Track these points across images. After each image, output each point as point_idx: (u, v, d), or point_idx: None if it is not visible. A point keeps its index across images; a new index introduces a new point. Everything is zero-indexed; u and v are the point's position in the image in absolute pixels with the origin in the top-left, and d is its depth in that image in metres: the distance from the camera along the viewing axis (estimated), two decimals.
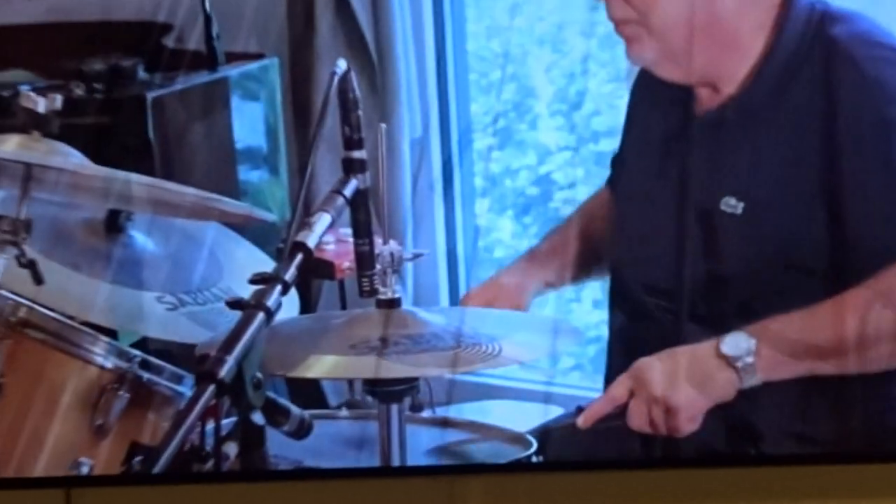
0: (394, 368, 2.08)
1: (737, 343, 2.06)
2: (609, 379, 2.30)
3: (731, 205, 2.16)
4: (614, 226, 2.44)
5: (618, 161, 2.39)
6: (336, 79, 2.07)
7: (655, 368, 2.11)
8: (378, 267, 2.12)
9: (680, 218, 2.29)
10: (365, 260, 2.11)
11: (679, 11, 2.14)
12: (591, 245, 2.42)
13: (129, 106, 2.51)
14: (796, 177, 2.20)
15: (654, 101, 2.33)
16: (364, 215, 2.12)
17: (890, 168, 2.12)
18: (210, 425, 1.95)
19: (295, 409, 2.10)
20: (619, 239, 2.41)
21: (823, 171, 2.17)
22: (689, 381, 2.12)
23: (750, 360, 2.07)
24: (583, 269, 2.37)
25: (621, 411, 2.12)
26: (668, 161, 2.30)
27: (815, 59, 2.16)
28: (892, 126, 2.11)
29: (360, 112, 2.09)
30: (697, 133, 2.24)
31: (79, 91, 2.51)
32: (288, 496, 2.47)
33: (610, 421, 2.19)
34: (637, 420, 2.11)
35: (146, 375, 2.21)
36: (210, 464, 2.25)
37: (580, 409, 2.20)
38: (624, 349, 2.34)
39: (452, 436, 2.37)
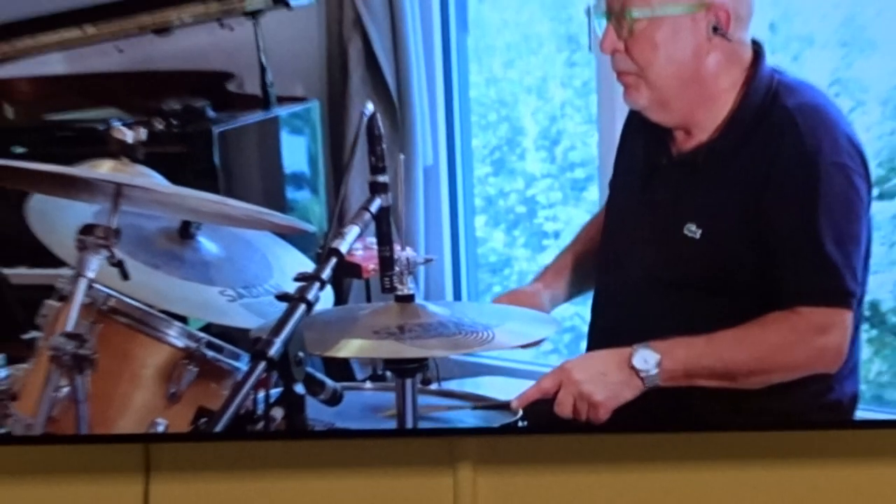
0: (408, 350, 2.17)
1: (644, 358, 2.19)
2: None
3: (692, 230, 2.27)
4: (602, 237, 2.51)
5: (612, 184, 2.48)
6: (365, 118, 2.14)
7: (579, 370, 2.24)
8: (396, 269, 2.21)
9: (651, 236, 2.38)
10: (386, 263, 2.21)
11: (671, 68, 2.26)
12: (588, 264, 2.48)
13: (199, 138, 2.55)
14: (746, 215, 2.28)
15: (641, 137, 2.41)
16: (386, 227, 2.19)
17: (812, 224, 2.21)
18: (261, 394, 2.07)
19: (329, 382, 2.18)
20: (605, 248, 2.48)
21: (756, 215, 2.26)
22: (605, 385, 2.23)
23: (654, 372, 2.20)
24: (583, 283, 2.45)
25: (551, 399, 2.25)
26: (647, 188, 2.39)
27: (770, 120, 2.27)
28: (817, 196, 2.20)
29: (384, 145, 2.17)
30: (672, 168, 2.36)
31: (159, 126, 2.56)
32: (322, 452, 2.51)
33: (539, 407, 2.29)
34: (563, 409, 2.23)
35: (210, 353, 2.28)
36: (261, 425, 2.19)
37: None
38: (601, 334, 2.42)
39: (452, 406, 2.43)
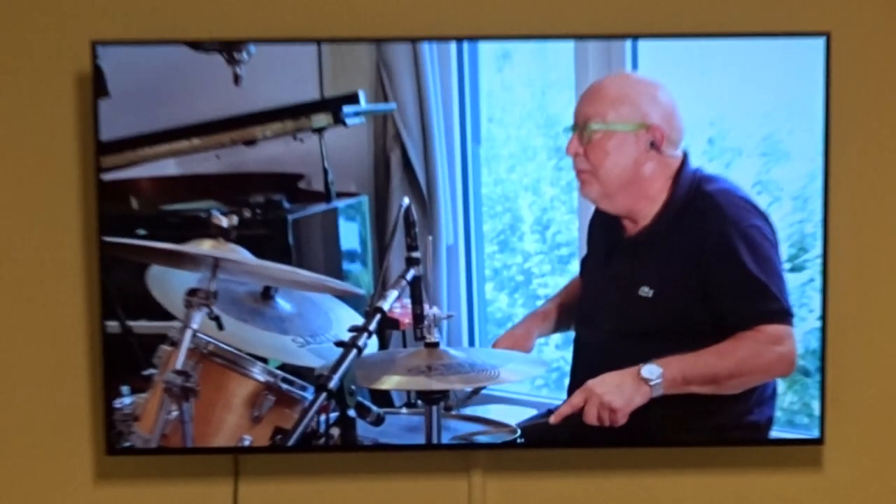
0: (434, 384, 2.42)
1: (651, 370, 2.43)
2: (570, 391, 2.55)
3: (646, 292, 2.51)
4: (579, 300, 2.65)
5: (584, 262, 2.61)
6: (402, 209, 2.46)
7: (600, 386, 2.45)
8: (425, 323, 2.46)
9: (615, 298, 2.59)
10: (418, 318, 2.47)
11: (616, 170, 2.45)
12: (567, 311, 2.64)
13: (277, 224, 2.60)
14: (687, 275, 2.51)
15: (602, 226, 2.59)
16: (418, 291, 2.47)
17: (738, 274, 2.48)
18: (323, 417, 2.43)
19: (374, 408, 2.45)
20: (581, 307, 2.63)
21: (699, 274, 2.51)
22: (621, 394, 2.46)
23: (658, 381, 2.43)
24: (562, 325, 2.63)
25: (578, 412, 2.49)
26: (609, 262, 2.59)
27: (696, 203, 2.48)
28: (738, 249, 2.47)
29: (416, 229, 2.47)
30: (625, 247, 2.56)
31: (247, 214, 2.59)
32: (369, 460, 2.74)
33: (572, 419, 2.53)
34: (590, 418, 2.45)
35: (285, 386, 2.55)
36: (322, 440, 2.49)
37: (549, 412, 2.54)
38: (580, 372, 2.56)
39: (468, 426, 2.64)
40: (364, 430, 2.48)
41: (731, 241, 2.47)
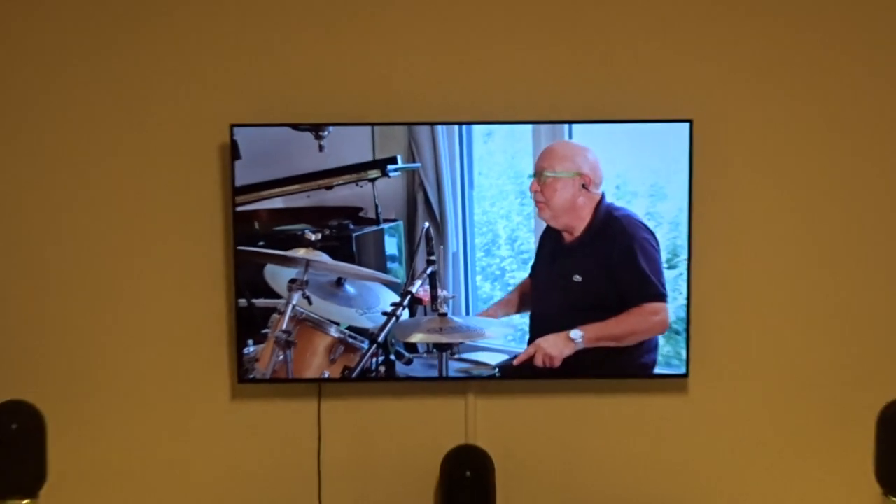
0: (444, 339, 2.76)
1: (576, 333, 2.70)
2: (528, 345, 2.80)
3: (577, 279, 2.76)
4: (531, 291, 2.82)
5: (533, 266, 2.79)
6: (424, 229, 2.75)
7: (544, 342, 2.73)
8: (438, 300, 2.77)
9: (557, 284, 2.81)
10: (433, 298, 2.76)
11: (561, 202, 2.69)
12: (524, 298, 2.84)
13: (345, 238, 2.79)
14: (603, 269, 2.77)
15: (549, 236, 2.77)
16: (434, 281, 2.75)
17: (634, 269, 2.74)
18: (374, 359, 2.75)
19: (406, 353, 2.78)
20: (533, 295, 2.81)
21: (610, 267, 2.75)
22: (556, 347, 2.74)
23: (580, 340, 2.70)
24: (521, 307, 2.83)
25: (531, 358, 2.74)
26: (553, 262, 2.77)
27: (608, 224, 2.73)
28: (635, 252, 2.73)
29: (433, 242, 2.75)
30: (564, 251, 2.76)
31: (327, 232, 2.79)
32: (403, 387, 2.93)
33: (528, 362, 2.76)
34: (538, 362, 2.71)
35: (350, 340, 2.80)
36: (373, 374, 2.77)
37: (514, 357, 2.78)
38: (534, 333, 2.80)
39: (465, 365, 2.89)
40: (399, 368, 2.81)
41: (630, 248, 2.71)
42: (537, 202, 2.70)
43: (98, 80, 2.91)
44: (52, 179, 2.93)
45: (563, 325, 2.78)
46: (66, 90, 2.93)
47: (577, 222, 2.71)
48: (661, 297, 2.72)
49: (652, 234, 2.72)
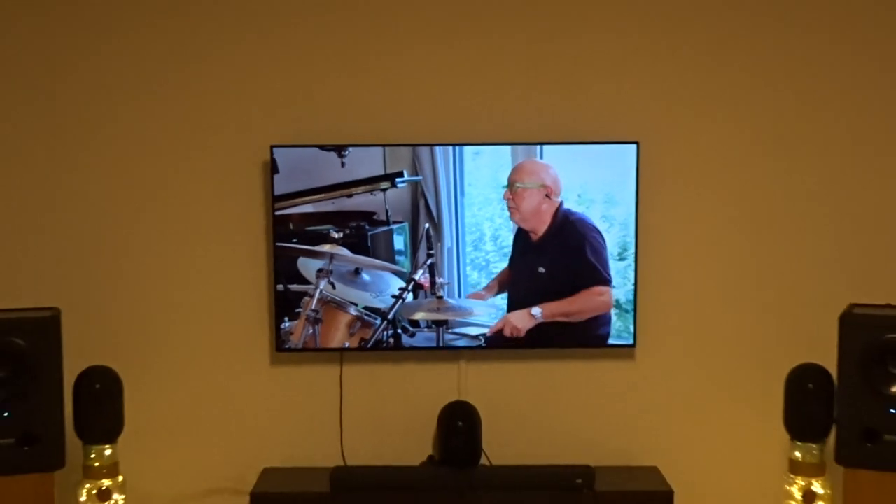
0: (441, 316, 2.83)
1: (536, 311, 2.77)
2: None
3: (542, 271, 2.82)
4: (508, 278, 2.87)
5: (511, 260, 2.82)
6: (425, 229, 2.80)
7: (512, 316, 2.80)
8: (437, 286, 2.83)
9: (527, 273, 2.88)
10: (432, 284, 2.82)
11: (528, 207, 2.76)
12: (503, 284, 2.88)
13: (362, 236, 2.86)
14: (559, 262, 2.84)
15: (519, 236, 2.82)
16: (433, 270, 2.82)
17: (583, 261, 2.81)
18: (385, 332, 2.80)
19: (410, 328, 2.84)
20: (510, 281, 2.85)
21: (565, 260, 2.83)
22: (521, 321, 2.82)
23: (539, 315, 2.77)
24: (501, 291, 2.89)
25: (500, 330, 2.82)
26: (524, 256, 2.84)
27: (566, 225, 2.80)
28: (585, 248, 2.80)
29: (432, 239, 2.82)
30: (531, 247, 2.83)
31: (347, 231, 2.88)
32: (408, 355, 3.00)
33: (500, 333, 2.84)
34: (506, 333, 2.80)
35: (366, 318, 2.87)
36: (385, 344, 2.83)
37: (497, 330, 2.82)
38: (509, 310, 2.87)
39: (457, 337, 2.95)
40: (405, 340, 2.90)
41: (580, 245, 2.79)
42: (510, 208, 2.72)
43: (170, 110, 3.06)
44: (137, 189, 3.06)
45: (526, 305, 2.91)
46: (148, 119, 3.08)
47: (541, 225, 2.74)
48: (606, 282, 2.75)
49: (599, 233, 2.75)
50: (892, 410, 2.40)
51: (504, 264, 2.84)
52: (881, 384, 2.43)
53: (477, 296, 2.86)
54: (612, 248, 2.88)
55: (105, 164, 3.06)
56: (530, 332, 2.85)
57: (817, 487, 2.63)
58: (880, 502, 2.48)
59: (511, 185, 2.78)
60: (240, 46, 2.99)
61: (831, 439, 2.74)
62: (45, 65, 2.98)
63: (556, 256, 2.81)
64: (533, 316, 2.83)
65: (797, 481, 2.64)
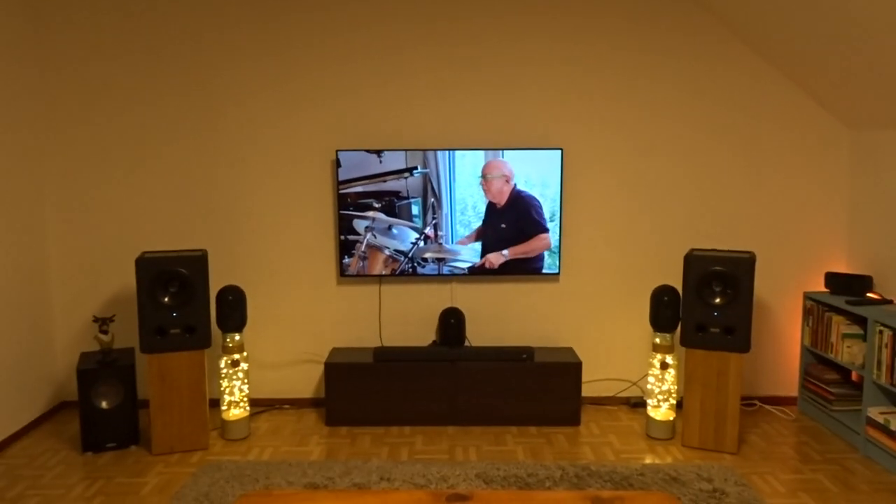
0: (440, 255, 2.97)
1: (505, 252, 2.92)
2: (481, 257, 2.98)
3: (503, 226, 2.98)
4: (482, 231, 2.95)
5: (483, 220, 2.94)
6: (431, 202, 2.99)
7: (490, 256, 2.97)
8: (438, 237, 2.95)
9: (495, 227, 2.96)
10: (436, 235, 2.93)
11: (495, 189, 2.93)
12: (478, 235, 2.95)
13: (392, 206, 3.03)
14: (514, 221, 2.92)
15: (489, 206, 2.94)
16: (436, 227, 2.96)
17: (531, 218, 2.89)
18: (407, 265, 2.95)
19: (422, 262, 2.90)
20: (483, 233, 2.96)
21: (519, 219, 2.92)
22: (496, 259, 2.99)
23: (507, 254, 2.94)
24: (477, 240, 2.98)
25: (484, 263, 2.92)
26: (491, 217, 2.97)
27: (518, 199, 2.95)
28: (531, 211, 2.90)
29: (436, 208, 2.96)
30: (496, 212, 2.97)
31: (383, 203, 3.01)
32: (421, 279, 3.12)
33: (482, 265, 2.92)
34: (487, 266, 2.91)
35: (395, 256, 3.01)
36: (408, 272, 2.85)
37: (475, 264, 2.97)
38: (483, 254, 2.98)
39: (451, 268, 3.03)
40: (419, 270, 3.14)
41: (528, 209, 3.02)
42: (484, 190, 3.04)
43: (278, 124, 3.27)
44: (255, 174, 3.30)
45: (498, 248, 3.15)
46: (263, 126, 3.28)
47: (502, 199, 3.05)
48: (545, 229, 3.09)
49: (538, 201, 3.06)
50: (715, 313, 2.78)
51: (479, 223, 3.15)
52: (708, 297, 2.79)
53: (462, 242, 3.09)
54: (545, 214, 3.17)
55: (237, 156, 3.32)
56: (501, 265, 3.16)
57: (669, 360, 3.00)
58: (705, 368, 2.87)
59: (484, 176, 3.06)
60: (322, 89, 3.27)
61: (678, 331, 3.29)
62: (199, 81, 3.22)
63: (512, 217, 3.09)
64: (503, 255, 3.06)
65: (657, 356, 2.99)
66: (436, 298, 3.31)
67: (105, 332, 2.88)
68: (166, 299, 2.72)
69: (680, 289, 3.11)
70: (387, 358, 3.04)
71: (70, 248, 3.20)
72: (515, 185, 3.06)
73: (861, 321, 2.93)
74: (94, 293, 3.23)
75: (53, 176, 3.19)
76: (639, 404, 3.29)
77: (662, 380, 2.94)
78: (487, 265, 3.09)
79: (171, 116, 3.18)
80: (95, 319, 2.88)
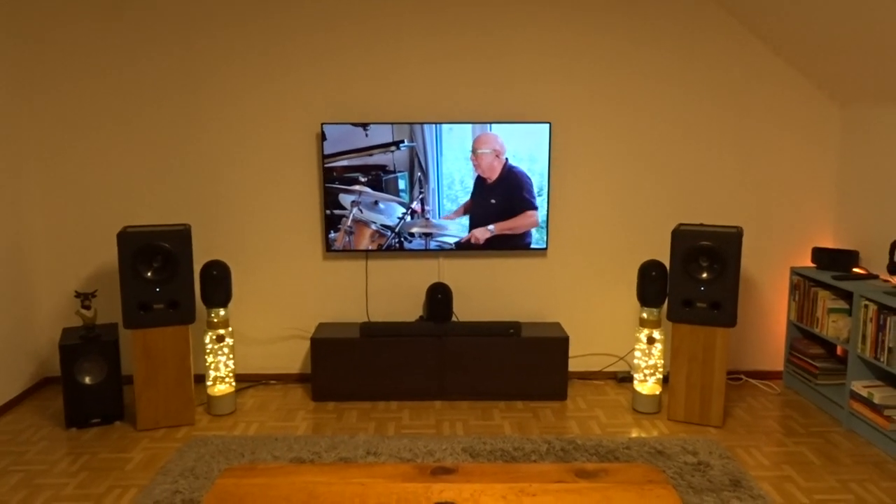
0: (427, 230, 2.97)
1: (490, 227, 2.92)
2: (469, 232, 2.94)
3: (493, 202, 2.96)
4: (471, 206, 2.95)
5: (472, 195, 2.94)
6: (418, 176, 2.97)
7: (476, 231, 2.96)
8: (425, 211, 2.94)
9: (485, 202, 2.97)
10: (423, 210, 2.92)
11: (486, 163, 2.92)
12: (466, 210, 2.95)
13: (378, 180, 3.00)
14: (504, 196, 2.92)
15: (478, 180, 2.93)
16: (423, 202, 2.94)
17: (520, 194, 2.88)
18: (394, 240, 2.90)
19: (409, 237, 2.86)
20: (471, 208, 2.94)
21: (509, 194, 2.90)
22: (482, 234, 2.98)
23: (493, 229, 2.94)
24: (464, 214, 2.97)
25: (470, 239, 2.89)
26: (481, 191, 2.96)
27: (509, 174, 2.94)
28: (521, 187, 2.89)
29: (423, 182, 2.93)
30: (486, 188, 2.96)
31: (369, 177, 2.95)
32: (409, 253, 3.06)
33: (469, 241, 2.89)
34: (472, 240, 2.91)
35: (382, 230, 2.94)
36: (395, 247, 2.81)
37: (462, 238, 2.93)
38: (470, 228, 2.96)
39: (439, 243, 3.01)
40: (406, 245, 3.13)
41: (518, 185, 3.03)
42: (474, 164, 3.03)
43: (263, 98, 3.28)
44: (241, 147, 3.30)
45: (486, 224, 3.15)
46: (249, 100, 3.27)
47: (493, 174, 3.05)
48: (534, 207, 3.08)
49: (529, 178, 3.08)
50: (702, 288, 2.78)
51: (467, 199, 3.14)
52: (695, 272, 2.79)
53: (450, 217, 3.09)
54: (535, 191, 3.14)
55: (220, 129, 3.30)
56: (487, 240, 3.15)
57: (656, 334, 3.02)
58: (692, 343, 2.86)
59: (474, 150, 3.05)
60: (306, 59, 3.24)
61: (665, 306, 3.30)
62: (187, 73, 3.25)
63: (502, 193, 3.08)
64: (489, 230, 3.05)
65: (644, 330, 3.01)
66: (423, 273, 3.30)
67: (87, 308, 2.89)
68: (149, 274, 2.71)
69: (667, 263, 3.17)
70: (373, 333, 3.03)
71: (51, 223, 3.21)
72: (507, 160, 3.06)
73: (847, 296, 2.95)
74: (76, 268, 3.24)
75: (34, 149, 3.18)
76: (625, 379, 3.31)
77: (649, 354, 2.95)
78: (473, 240, 3.08)
79: (153, 90, 3.18)
80: (77, 294, 2.89)
